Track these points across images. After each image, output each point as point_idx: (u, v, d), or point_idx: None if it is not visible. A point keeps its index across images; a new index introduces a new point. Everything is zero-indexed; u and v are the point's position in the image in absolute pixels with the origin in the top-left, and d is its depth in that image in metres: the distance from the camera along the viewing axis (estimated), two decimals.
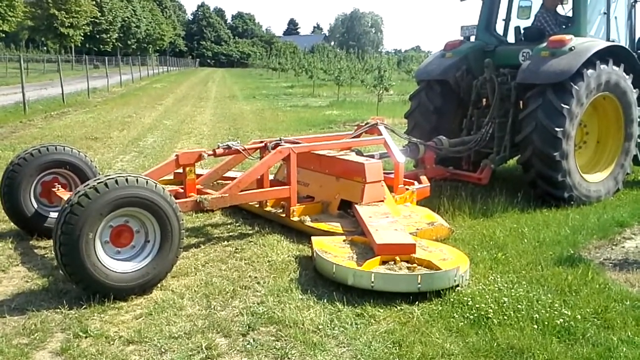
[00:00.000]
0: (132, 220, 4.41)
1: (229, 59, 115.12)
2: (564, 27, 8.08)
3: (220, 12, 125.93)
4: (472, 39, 8.82)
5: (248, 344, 3.66)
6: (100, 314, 4.06)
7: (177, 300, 4.28)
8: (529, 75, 7.14)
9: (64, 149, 5.84)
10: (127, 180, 4.25)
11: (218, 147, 5.93)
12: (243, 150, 6.03)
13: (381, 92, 17.87)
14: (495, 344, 3.63)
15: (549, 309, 4.08)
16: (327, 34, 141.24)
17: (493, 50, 8.34)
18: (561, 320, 3.90)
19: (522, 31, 8.59)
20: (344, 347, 3.64)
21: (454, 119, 8.50)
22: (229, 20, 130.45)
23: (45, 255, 5.28)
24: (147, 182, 4.36)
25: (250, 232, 6.02)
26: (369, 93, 30.00)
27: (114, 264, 4.30)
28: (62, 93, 21.52)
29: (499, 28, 8.84)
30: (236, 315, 4.06)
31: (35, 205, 5.69)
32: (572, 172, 7.03)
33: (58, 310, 4.07)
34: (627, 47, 7.91)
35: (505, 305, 4.14)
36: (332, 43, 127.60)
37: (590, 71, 6.96)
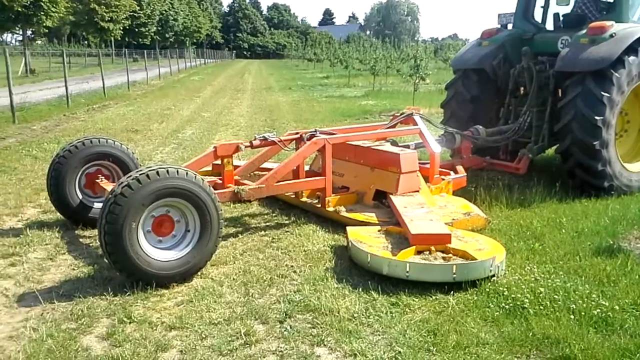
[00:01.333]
0: (173, 210, 4.54)
1: (265, 51, 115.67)
2: (604, 12, 7.91)
3: (256, 4, 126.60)
4: (510, 26, 8.72)
5: (285, 330, 3.75)
6: (143, 300, 4.20)
7: (217, 288, 4.40)
8: (568, 62, 7.03)
9: (106, 141, 6.02)
10: (167, 171, 4.38)
11: (255, 139, 6.03)
12: (279, 141, 6.12)
13: (417, 81, 17.70)
14: (531, 334, 3.64)
15: (586, 300, 4.05)
16: (362, 24, 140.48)
17: (531, 38, 8.24)
18: (598, 310, 3.88)
19: (561, 18, 8.46)
20: (379, 335, 3.70)
21: (491, 108, 8.42)
22: (264, 12, 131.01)
23: (90, 245, 5.48)
24: (187, 173, 4.48)
25: (287, 222, 6.11)
26: (404, 82, 29.84)
27: (156, 253, 4.44)
28: (104, 86, 22.01)
29: (537, 15, 8.71)
30: (273, 303, 4.16)
31: (80, 196, 5.89)
32: (613, 161, 6.90)
33: (103, 297, 4.23)
34: None
35: (541, 295, 4.13)
36: (368, 32, 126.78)
37: (631, 58, 6.82)
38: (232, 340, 3.63)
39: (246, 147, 5.87)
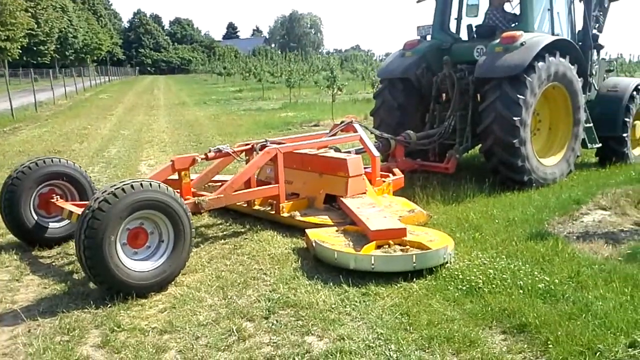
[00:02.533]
0: (147, 222, 4.72)
1: (170, 66, 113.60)
2: (512, 24, 8.75)
3: (157, 19, 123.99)
4: (428, 38, 9.41)
5: (272, 324, 4.05)
6: (126, 310, 4.35)
7: (195, 294, 4.62)
8: (486, 70, 7.75)
9: (59, 160, 6.06)
10: (141, 184, 4.56)
11: (209, 151, 6.26)
12: (233, 152, 6.38)
13: (335, 92, 18.32)
14: (489, 309, 4.14)
15: (530, 277, 4.63)
16: (267, 37, 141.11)
17: (449, 48, 8.96)
18: (542, 285, 4.46)
19: (474, 29, 9.24)
20: (359, 321, 4.07)
21: (416, 114, 9.06)
22: (166, 27, 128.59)
23: (53, 264, 5.51)
24: (159, 185, 4.68)
25: (243, 230, 6.37)
26: (317, 94, 30.57)
27: (133, 264, 4.60)
28: (11, 108, 21.12)
29: (452, 27, 9.47)
30: (254, 302, 4.44)
31: (35, 217, 5.88)
32: (530, 157, 7.68)
33: (86, 310, 4.34)
34: (569, 40, 8.64)
35: (491, 276, 4.67)
36: (273, 45, 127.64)
37: (540, 64, 7.63)
38: (226, 338, 3.88)
39: (202, 159, 6.08)
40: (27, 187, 5.77)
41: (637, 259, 4.98)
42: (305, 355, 3.60)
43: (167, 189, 4.73)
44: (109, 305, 4.40)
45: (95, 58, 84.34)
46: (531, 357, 3.52)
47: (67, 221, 5.96)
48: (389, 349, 3.64)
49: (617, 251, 5.30)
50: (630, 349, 3.49)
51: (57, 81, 37.87)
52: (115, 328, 4.05)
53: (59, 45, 61.80)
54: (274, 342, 3.80)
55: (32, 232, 5.85)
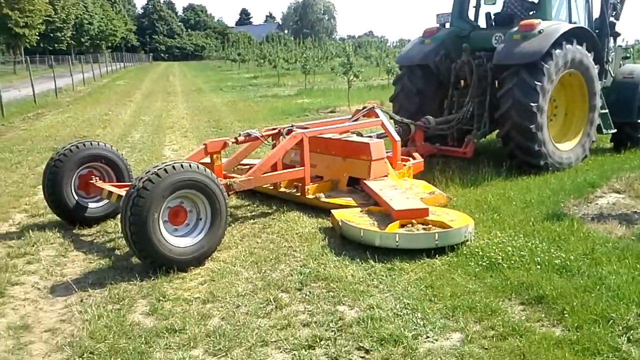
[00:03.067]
0: (186, 201, 5.04)
1: (183, 52, 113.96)
2: (530, 12, 8.94)
3: (171, 5, 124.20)
4: (447, 25, 9.61)
5: (306, 295, 4.36)
6: (168, 283, 4.68)
7: (232, 268, 4.94)
8: (504, 57, 7.96)
9: (98, 144, 6.38)
10: (182, 166, 4.88)
11: (239, 135, 6.56)
12: (261, 136, 6.68)
13: (351, 78, 18.54)
14: (509, 282, 4.42)
15: (547, 253, 4.90)
16: (280, 23, 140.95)
17: (467, 36, 9.17)
18: (558, 261, 4.73)
19: (492, 17, 9.44)
20: (386, 292, 4.37)
21: (435, 100, 9.28)
22: (180, 13, 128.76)
23: (95, 241, 5.85)
24: (197, 166, 5.00)
25: (270, 211, 6.67)
26: (332, 80, 30.74)
27: (174, 240, 4.93)
28: (34, 94, 21.53)
29: (471, 15, 9.67)
30: (287, 276, 4.75)
31: (76, 197, 6.22)
32: (547, 142, 7.91)
33: (132, 282, 4.68)
34: (586, 27, 8.82)
35: (510, 253, 4.94)
36: (286, 31, 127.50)
37: (558, 51, 7.83)
38: (264, 306, 4.20)
39: (233, 142, 6.39)
40: (68, 169, 6.10)
41: None
42: (339, 322, 3.91)
43: (205, 170, 5.05)
44: (152, 278, 4.73)
45: (110, 44, 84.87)
46: (548, 325, 3.80)
47: (105, 201, 6.31)
48: (415, 317, 3.93)
49: (630, 231, 5.54)
50: None
51: (73, 67, 38.37)
52: (161, 298, 4.38)
53: (74, 32, 62.28)
54: (308, 311, 4.11)
55: (73, 211, 6.19)
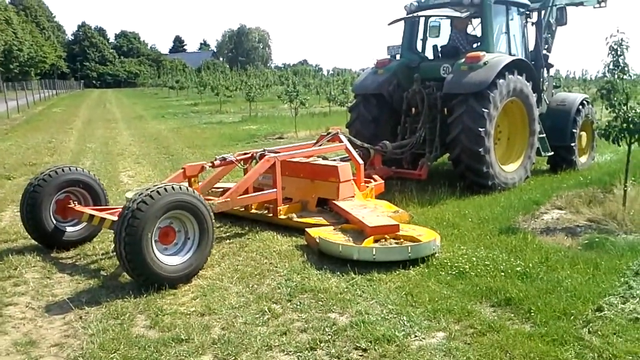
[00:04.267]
0: (175, 221, 5.29)
1: (116, 79, 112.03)
2: (474, 45, 9.71)
3: (102, 32, 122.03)
4: (397, 57, 10.27)
5: (297, 305, 4.70)
6: (161, 299, 4.91)
7: (220, 284, 5.22)
8: (453, 86, 8.65)
9: (76, 169, 6.54)
10: (173, 188, 5.15)
11: (215, 160, 6.86)
12: (236, 161, 7.00)
13: (297, 106, 19.06)
14: (478, 288, 4.92)
15: (508, 262, 5.45)
16: (215, 50, 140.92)
17: (417, 66, 9.84)
18: (519, 268, 5.28)
19: (439, 49, 10.17)
20: (370, 300, 4.77)
21: (388, 126, 9.88)
22: (112, 40, 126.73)
23: (76, 263, 5.98)
24: (187, 189, 5.28)
25: (244, 231, 6.97)
26: (274, 107, 31.28)
27: (165, 259, 5.16)
28: None
29: (419, 47, 10.38)
30: (275, 289, 5.07)
31: (54, 222, 6.32)
32: (494, 164, 8.59)
33: (126, 299, 4.87)
34: (524, 59, 9.66)
35: (475, 263, 5.46)
36: (221, 59, 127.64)
37: (501, 81, 8.57)
38: (260, 317, 4.51)
39: (209, 166, 6.68)
40: (47, 194, 6.22)
41: (594, 247, 5.88)
42: (333, 327, 4.27)
43: (194, 192, 5.33)
44: (145, 295, 4.94)
45: (40, 71, 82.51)
46: (519, 323, 4.29)
47: (82, 225, 6.45)
48: (402, 320, 4.35)
49: (576, 241, 6.20)
50: (597, 312, 4.34)
51: (1, 95, 37.21)
52: (159, 312, 4.61)
53: (3, 58, 60.39)
54: (302, 319, 4.45)
55: (51, 235, 6.29)
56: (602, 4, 11.48)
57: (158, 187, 5.10)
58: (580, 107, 10.42)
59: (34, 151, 15.64)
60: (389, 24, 9.88)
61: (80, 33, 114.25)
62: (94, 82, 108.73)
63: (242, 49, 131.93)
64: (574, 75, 53.89)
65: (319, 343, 4.02)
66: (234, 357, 3.87)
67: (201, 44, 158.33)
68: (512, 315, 4.42)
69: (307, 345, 3.99)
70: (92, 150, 16.04)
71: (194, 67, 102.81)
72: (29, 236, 6.45)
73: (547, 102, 10.58)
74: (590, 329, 4.09)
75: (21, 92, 41.15)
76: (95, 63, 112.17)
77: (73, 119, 28.54)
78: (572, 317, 4.25)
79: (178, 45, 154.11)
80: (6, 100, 29.66)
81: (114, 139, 18.77)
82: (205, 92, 41.11)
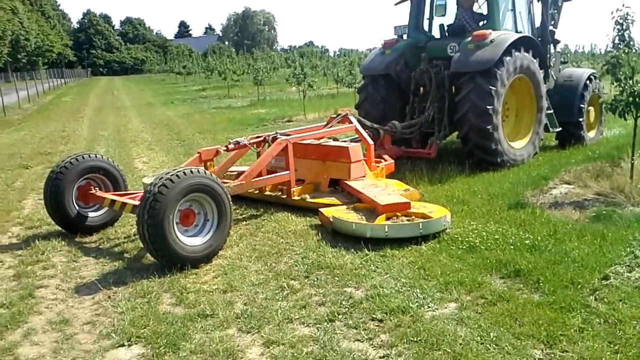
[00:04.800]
0: (194, 204, 5.50)
1: (123, 67, 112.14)
2: (480, 23, 9.78)
3: (107, 19, 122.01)
4: (404, 37, 10.37)
5: (314, 281, 4.90)
6: (184, 278, 5.13)
7: (239, 263, 5.43)
8: (460, 65, 8.75)
9: (96, 156, 6.75)
10: (192, 171, 5.34)
11: (229, 144, 7.05)
12: (250, 144, 7.18)
13: (306, 88, 19.17)
14: (488, 261, 5.09)
15: (517, 236, 5.62)
16: (220, 35, 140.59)
17: (424, 46, 9.94)
18: (528, 241, 5.45)
19: (445, 28, 10.25)
20: (384, 274, 4.97)
21: (397, 107, 10.01)
22: (117, 27, 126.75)
23: (100, 247, 6.22)
24: (205, 172, 5.48)
25: (259, 213, 7.17)
26: (281, 91, 31.38)
27: (186, 240, 5.38)
28: None
29: (426, 26, 10.46)
30: (292, 267, 5.28)
31: (76, 207, 6.55)
32: (502, 141, 8.72)
33: (151, 279, 5.10)
34: (531, 36, 9.73)
35: (485, 237, 5.63)
36: (227, 43, 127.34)
37: (508, 58, 8.66)
38: (279, 292, 4.72)
39: (224, 150, 6.87)
40: (69, 180, 6.43)
41: (601, 219, 6.03)
42: (350, 300, 4.47)
43: (212, 175, 5.53)
44: (168, 275, 5.16)
45: (47, 60, 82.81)
46: (528, 292, 4.47)
47: (103, 210, 6.68)
48: (415, 292, 4.54)
49: (584, 215, 6.35)
50: (604, 281, 4.52)
51: (10, 85, 37.52)
52: (183, 291, 4.83)
53: (10, 49, 60.66)
54: (320, 293, 4.66)
55: (74, 221, 6.52)
56: None
57: (177, 171, 5.30)
58: (588, 82, 10.48)
59: (48, 140, 15.91)
60: (396, 4, 9.98)
61: (86, 21, 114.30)
62: (101, 69, 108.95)
63: (247, 32, 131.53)
64: (583, 49, 53.55)
65: (337, 315, 4.22)
66: (257, 330, 4.08)
67: (206, 28, 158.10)
68: (522, 285, 4.60)
69: (326, 318, 4.20)
70: (105, 137, 16.27)
71: (200, 52, 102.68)
72: (53, 222, 6.68)
73: (555, 78, 10.65)
74: (597, 297, 4.27)
75: (30, 82, 41.29)
76: (102, 50, 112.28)
77: (83, 107, 28.83)
78: (579, 286, 4.43)
79: (183, 30, 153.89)
80: (17, 90, 29.93)
81: (125, 126, 19.00)
82: (212, 77, 41.19)
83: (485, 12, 9.78)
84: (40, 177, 10.12)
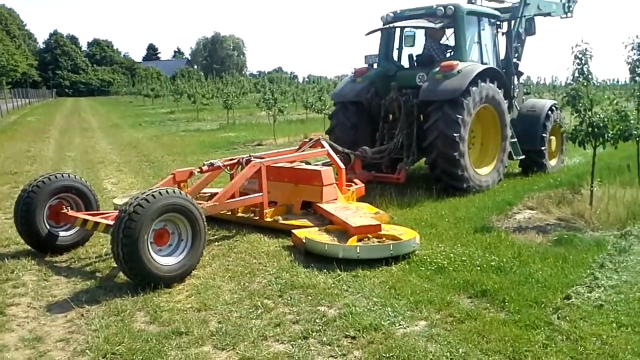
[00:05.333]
0: (169, 224, 5.55)
1: (89, 88, 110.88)
2: (447, 54, 10.14)
3: (74, 40, 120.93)
4: (375, 65, 10.66)
5: (288, 300, 5.00)
6: (158, 297, 5.15)
7: (213, 282, 5.49)
8: (428, 94, 9.05)
9: (69, 175, 6.74)
10: (167, 192, 5.41)
11: (204, 165, 7.13)
12: (223, 166, 7.28)
13: (276, 113, 19.36)
14: (456, 281, 5.27)
15: (483, 258, 5.82)
16: (189, 58, 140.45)
17: (394, 75, 10.25)
18: (494, 263, 5.66)
19: (414, 58, 10.59)
20: (356, 294, 5.09)
21: (366, 133, 10.25)
22: (84, 48, 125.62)
23: (71, 266, 6.19)
24: (181, 192, 5.55)
25: (231, 234, 7.24)
26: (251, 115, 31.54)
27: (160, 259, 5.42)
28: None
29: (395, 56, 10.79)
30: (265, 286, 5.36)
31: (47, 227, 6.52)
32: (468, 167, 9.01)
33: (124, 298, 5.11)
34: (496, 67, 10.12)
35: (453, 259, 5.82)
36: (195, 67, 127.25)
37: (474, 88, 9.00)
38: (253, 311, 4.79)
39: (198, 172, 6.95)
40: (41, 200, 6.41)
41: (563, 243, 6.30)
42: (323, 318, 4.58)
43: (187, 195, 5.60)
44: (141, 294, 5.19)
45: (11, 80, 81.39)
46: (494, 311, 4.65)
47: (74, 230, 6.65)
48: (386, 311, 4.67)
49: (546, 238, 6.61)
50: (566, 300, 4.74)
51: None
52: (157, 309, 4.86)
53: None
54: (294, 312, 4.75)
55: (45, 240, 6.48)
56: (569, 14, 12.07)
57: (153, 191, 5.36)
58: (550, 112, 10.92)
59: (13, 160, 15.67)
60: (367, 34, 10.28)
61: (52, 41, 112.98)
62: (66, 90, 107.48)
63: (216, 57, 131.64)
64: (545, 81, 55.28)
65: (310, 333, 4.32)
66: (232, 347, 4.15)
67: (175, 51, 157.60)
68: (488, 304, 4.77)
69: (300, 335, 4.29)
70: (72, 158, 16.10)
71: (168, 75, 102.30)
72: (23, 241, 6.62)
73: (518, 108, 11.06)
74: (559, 315, 4.47)
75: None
76: (68, 71, 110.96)
77: (49, 128, 28.42)
78: (542, 305, 4.63)
79: (152, 53, 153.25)
80: None
81: (93, 148, 18.84)
82: (181, 100, 41.15)
83: (452, 43, 10.15)
84: (7, 196, 10.01)
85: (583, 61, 7.56)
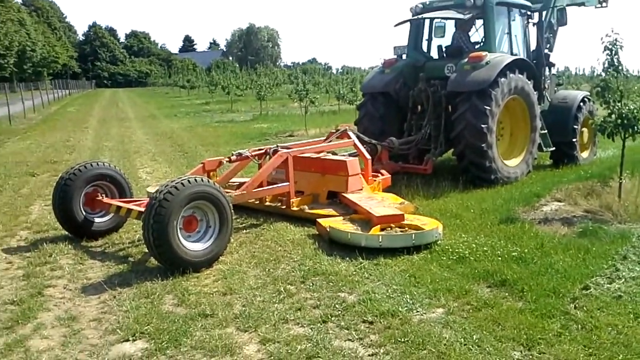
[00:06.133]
0: (197, 211, 5.76)
1: (127, 79, 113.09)
2: (477, 45, 10.11)
3: (113, 32, 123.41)
4: (404, 56, 10.69)
5: (310, 286, 5.15)
6: (186, 281, 5.37)
7: (239, 268, 5.68)
8: (457, 85, 9.06)
9: (104, 164, 7.03)
10: (195, 180, 5.61)
11: (232, 155, 7.33)
12: (251, 156, 7.47)
13: (307, 104, 19.51)
14: (476, 271, 5.34)
15: (505, 248, 5.87)
16: (224, 50, 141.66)
17: (423, 66, 10.27)
18: (515, 253, 5.70)
19: (443, 49, 10.58)
20: (377, 281, 5.21)
21: (395, 123, 10.31)
22: (122, 40, 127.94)
23: (105, 251, 6.47)
24: (209, 181, 5.75)
25: (258, 222, 7.42)
26: (283, 106, 31.76)
27: (189, 245, 5.63)
28: None
29: (424, 47, 10.81)
30: (289, 272, 5.52)
31: (83, 213, 6.81)
32: (496, 159, 9.00)
33: (154, 281, 5.34)
34: (526, 59, 10.05)
35: (475, 249, 5.89)
36: (230, 58, 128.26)
37: (503, 79, 8.97)
38: (276, 295, 4.96)
39: (227, 161, 7.15)
40: (77, 187, 6.71)
41: (587, 235, 6.29)
42: (343, 304, 4.72)
43: (215, 183, 5.80)
44: (171, 278, 5.41)
45: (52, 71, 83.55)
46: (512, 300, 4.72)
47: (109, 216, 6.93)
48: (405, 298, 4.79)
49: (571, 230, 6.60)
50: (584, 291, 4.77)
51: (16, 95, 37.89)
52: (185, 292, 5.07)
53: (17, 59, 61.33)
54: (315, 297, 4.91)
55: (81, 226, 6.77)
56: (604, 4, 11.85)
57: (182, 179, 5.57)
58: (582, 104, 10.79)
59: (53, 149, 16.21)
60: (396, 26, 10.30)
61: (91, 33, 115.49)
62: (105, 81, 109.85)
63: (251, 48, 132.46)
64: (583, 72, 54.13)
65: (330, 317, 4.47)
66: (254, 329, 4.33)
67: (211, 43, 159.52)
68: (507, 294, 4.84)
69: (320, 319, 4.44)
70: (109, 148, 16.57)
71: (203, 66, 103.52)
72: (60, 227, 6.94)
73: (549, 99, 10.96)
74: (577, 305, 4.52)
75: (35, 92, 41.87)
76: (106, 63, 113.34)
77: (88, 118, 29.19)
78: (560, 295, 4.68)
79: (188, 44, 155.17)
80: (22, 100, 30.29)
81: (129, 138, 19.32)
82: (216, 91, 41.69)
83: (482, 34, 10.11)
84: (47, 184, 10.40)
85: (613, 52, 7.48)
